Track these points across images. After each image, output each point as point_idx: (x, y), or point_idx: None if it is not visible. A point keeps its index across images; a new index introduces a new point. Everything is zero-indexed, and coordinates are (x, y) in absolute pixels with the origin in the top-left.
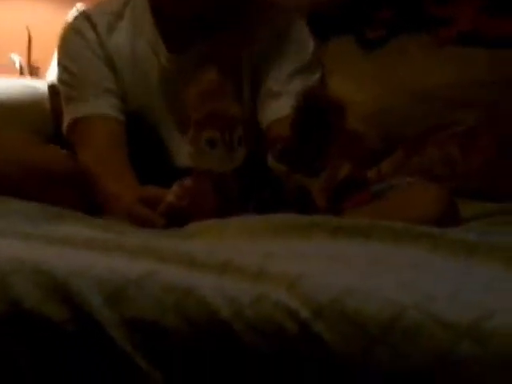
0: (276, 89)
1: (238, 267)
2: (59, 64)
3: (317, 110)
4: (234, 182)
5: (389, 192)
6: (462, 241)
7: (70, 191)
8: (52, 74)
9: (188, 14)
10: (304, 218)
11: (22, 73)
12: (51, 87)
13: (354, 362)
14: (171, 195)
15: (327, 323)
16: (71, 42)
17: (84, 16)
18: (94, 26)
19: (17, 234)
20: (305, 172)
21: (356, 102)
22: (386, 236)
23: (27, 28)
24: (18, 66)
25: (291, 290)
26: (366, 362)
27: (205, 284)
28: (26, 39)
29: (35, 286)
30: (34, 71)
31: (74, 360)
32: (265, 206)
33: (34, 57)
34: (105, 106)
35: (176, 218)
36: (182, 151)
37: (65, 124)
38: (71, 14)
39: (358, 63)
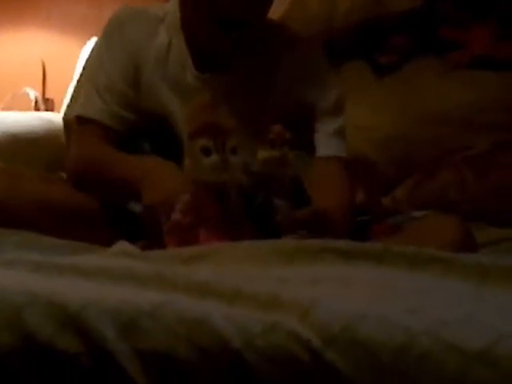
0: None
1: (249, 295)
2: (93, 48)
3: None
4: (233, 192)
5: (405, 224)
6: (474, 265)
7: (82, 226)
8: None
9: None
10: (316, 242)
11: (36, 106)
12: (66, 120)
13: None
14: (176, 213)
15: (339, 352)
16: (111, 34)
17: (131, 12)
18: (136, 29)
19: (28, 264)
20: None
21: (368, 127)
22: (398, 261)
23: (42, 61)
24: (32, 99)
25: (303, 319)
26: None
27: (216, 313)
28: (41, 72)
29: (48, 319)
30: (48, 104)
31: None
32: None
33: (48, 90)
34: (102, 112)
35: (183, 235)
36: None
37: (63, 115)
38: (86, 47)
39: (371, 89)
